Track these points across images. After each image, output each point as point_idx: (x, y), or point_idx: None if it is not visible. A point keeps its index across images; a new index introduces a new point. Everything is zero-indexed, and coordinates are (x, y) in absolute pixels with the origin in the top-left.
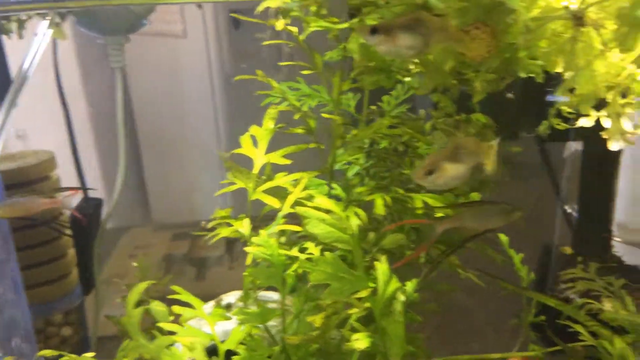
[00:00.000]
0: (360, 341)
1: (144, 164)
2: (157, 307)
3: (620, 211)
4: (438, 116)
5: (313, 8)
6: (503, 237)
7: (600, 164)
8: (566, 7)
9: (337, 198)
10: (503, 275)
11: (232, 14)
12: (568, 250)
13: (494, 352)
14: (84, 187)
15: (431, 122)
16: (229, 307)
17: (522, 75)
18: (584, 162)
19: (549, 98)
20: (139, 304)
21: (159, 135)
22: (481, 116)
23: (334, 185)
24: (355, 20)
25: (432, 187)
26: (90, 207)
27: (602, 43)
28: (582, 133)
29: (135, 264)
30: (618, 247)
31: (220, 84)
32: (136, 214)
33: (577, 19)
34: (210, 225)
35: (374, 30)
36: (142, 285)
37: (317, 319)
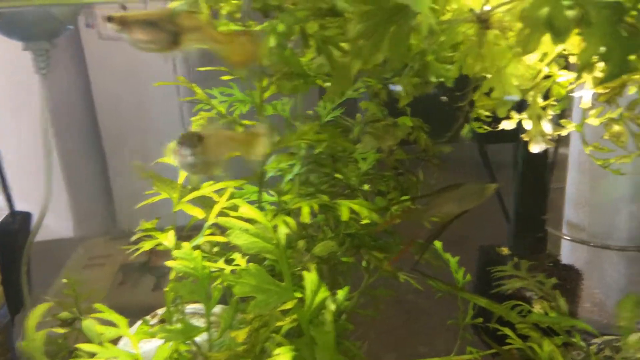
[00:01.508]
0: (282, 355)
1: (109, 172)
2: (89, 325)
3: (569, 211)
4: (366, 121)
5: (224, 10)
6: (437, 243)
7: (532, 165)
8: (471, 10)
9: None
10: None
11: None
12: (505, 250)
13: (439, 356)
14: None
15: (359, 127)
16: (163, 322)
17: (433, 79)
18: (517, 163)
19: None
20: (70, 322)
21: (124, 141)
22: (407, 119)
23: (273, 192)
24: (266, 24)
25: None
26: (17, 221)
27: (510, 46)
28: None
29: (64, 280)
30: (566, 245)
31: (186, 87)
32: (101, 223)
33: (483, 21)
34: (133, 238)
35: (109, 19)
36: (43, 307)
37: (241, 334)
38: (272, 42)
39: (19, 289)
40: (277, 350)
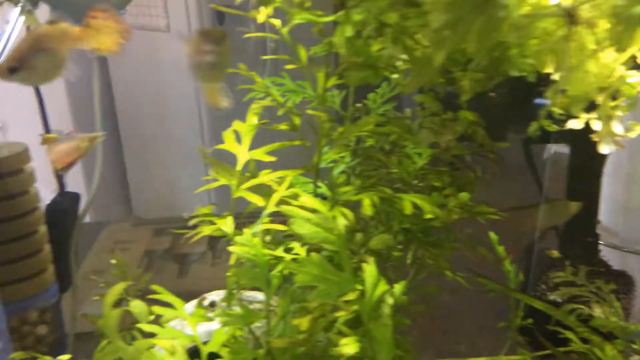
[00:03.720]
0: (349, 346)
1: (125, 159)
2: (137, 306)
3: (603, 215)
4: (424, 115)
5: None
6: (493, 236)
7: (586, 167)
8: (558, 5)
9: (322, 197)
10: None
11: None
12: (555, 253)
13: (481, 355)
14: None
15: (418, 121)
16: (212, 306)
17: (514, 74)
18: (571, 165)
19: (536, 100)
20: (118, 303)
21: (140, 130)
22: (469, 114)
23: (320, 183)
24: (340, 13)
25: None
26: (67, 201)
27: (595, 42)
28: (567, 136)
29: (113, 261)
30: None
31: None
32: (117, 209)
33: (570, 16)
34: (191, 222)
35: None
36: (121, 286)
37: (304, 322)
38: (348, 31)
39: (68, 268)
40: (344, 341)
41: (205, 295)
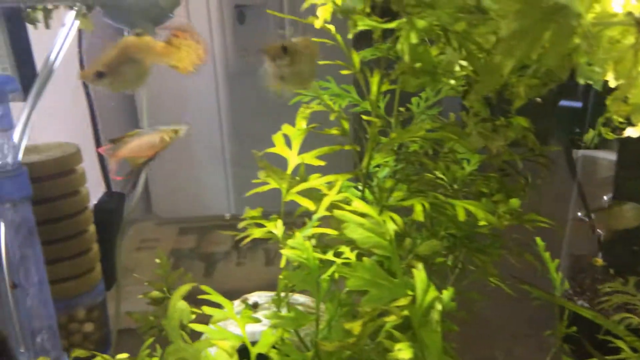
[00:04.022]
0: (404, 351)
1: None
2: (180, 306)
3: None
4: (474, 120)
5: (360, 6)
6: (540, 241)
7: (634, 173)
8: (629, 13)
9: (365, 201)
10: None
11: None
12: (599, 261)
13: None
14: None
15: (469, 127)
16: (255, 307)
17: (581, 81)
18: (618, 171)
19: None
20: (159, 301)
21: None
22: (523, 120)
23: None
24: (403, 20)
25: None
26: (114, 201)
27: None
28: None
29: (157, 260)
30: None
31: (224, 78)
32: (137, 207)
33: None
34: (241, 225)
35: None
36: (185, 287)
37: (356, 326)
38: (413, 38)
39: (113, 267)
40: (399, 346)
41: (247, 296)
